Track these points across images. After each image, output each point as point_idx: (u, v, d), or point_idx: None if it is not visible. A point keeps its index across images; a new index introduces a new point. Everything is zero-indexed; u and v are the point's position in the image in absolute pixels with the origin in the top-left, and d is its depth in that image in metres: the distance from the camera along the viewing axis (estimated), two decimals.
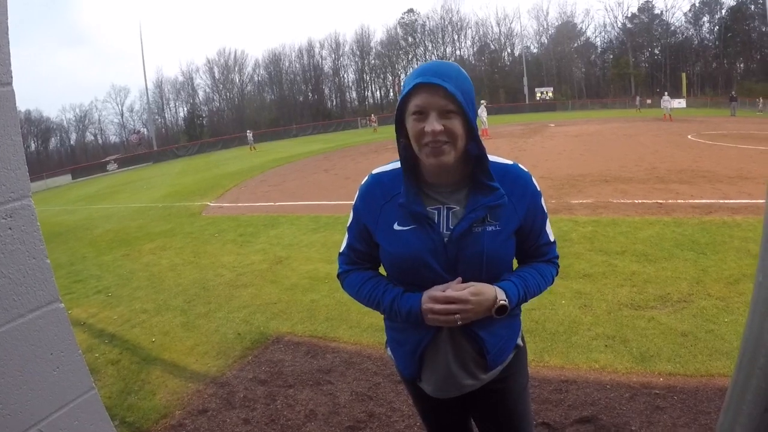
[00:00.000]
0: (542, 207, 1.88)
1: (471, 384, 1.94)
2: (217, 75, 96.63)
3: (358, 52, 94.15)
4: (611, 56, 79.73)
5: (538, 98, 67.77)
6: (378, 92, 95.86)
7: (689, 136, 21.29)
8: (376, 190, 1.87)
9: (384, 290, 1.87)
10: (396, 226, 1.80)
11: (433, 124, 1.61)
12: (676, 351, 4.27)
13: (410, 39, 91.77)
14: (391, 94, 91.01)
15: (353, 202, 1.96)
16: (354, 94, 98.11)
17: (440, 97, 1.61)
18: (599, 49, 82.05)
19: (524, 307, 5.15)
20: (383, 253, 1.87)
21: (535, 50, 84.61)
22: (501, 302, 1.74)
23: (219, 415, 4.23)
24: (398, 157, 1.84)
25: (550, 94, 69.13)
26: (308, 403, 4.17)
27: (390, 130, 47.37)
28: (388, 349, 2.14)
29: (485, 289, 1.74)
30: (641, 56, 78.48)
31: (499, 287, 1.79)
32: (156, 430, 4.03)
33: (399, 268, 1.84)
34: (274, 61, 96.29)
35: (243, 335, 5.74)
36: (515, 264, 1.97)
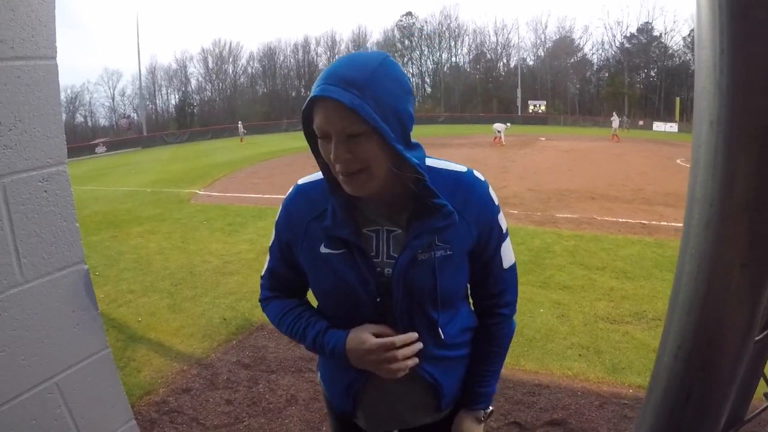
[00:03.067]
0: (499, 224, 1.56)
1: (414, 422, 1.72)
2: (210, 65, 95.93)
3: (352, 51, 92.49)
4: (607, 74, 79.44)
5: (530, 111, 67.75)
6: None
7: (678, 161, 21.36)
8: (301, 205, 1.56)
9: (306, 324, 1.59)
10: (323, 249, 1.50)
11: (338, 152, 1.29)
12: (647, 365, 4.42)
13: (407, 42, 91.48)
14: None
15: (276, 218, 1.65)
16: None
17: (341, 118, 1.26)
18: (595, 67, 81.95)
19: None
20: (310, 280, 1.60)
21: (531, 62, 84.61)
22: (488, 411, 1.71)
23: (202, 394, 4.34)
24: None
25: (543, 108, 69.10)
26: (290, 388, 4.29)
27: None
28: (319, 374, 1.86)
29: (468, 423, 1.68)
30: (637, 77, 78.32)
31: (477, 408, 1.69)
32: (140, 405, 4.12)
33: (327, 297, 1.58)
34: (269, 54, 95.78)
35: (228, 320, 5.84)
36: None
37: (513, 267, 1.64)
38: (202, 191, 16.85)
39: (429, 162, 1.49)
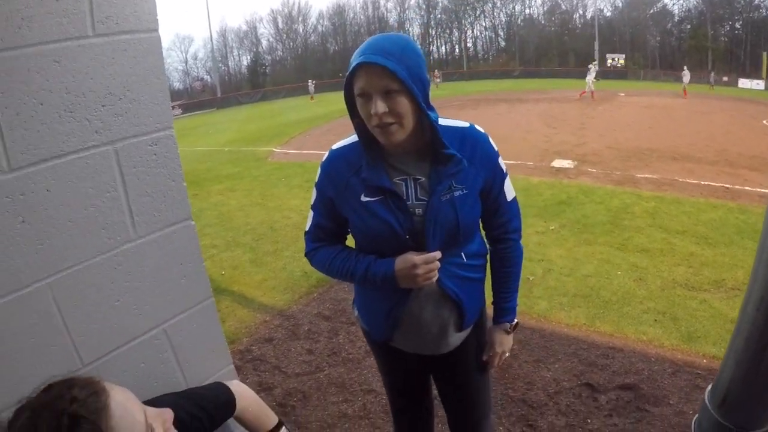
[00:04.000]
0: (501, 166, 1.88)
1: (444, 343, 2.03)
2: (280, 25, 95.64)
3: (424, 6, 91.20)
4: (689, 26, 74.97)
5: (608, 64, 64.61)
6: (443, 47, 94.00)
7: (765, 121, 19.87)
8: (341, 164, 1.84)
9: (356, 260, 1.87)
10: (363, 198, 1.78)
11: (377, 106, 1.57)
12: (723, 336, 4.31)
13: None
14: (457, 50, 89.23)
15: (315, 180, 1.92)
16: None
17: (382, 77, 1.55)
18: (676, 18, 77.55)
19: (580, 273, 5.22)
20: (352, 226, 1.87)
21: (608, 14, 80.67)
22: (514, 324, 2.12)
23: (284, 344, 4.54)
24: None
25: (622, 62, 65.93)
26: None
27: (453, 87, 46.78)
28: (356, 310, 2.20)
29: (500, 336, 2.12)
30: (720, 29, 73.53)
31: (504, 321, 2.10)
32: None
33: (369, 238, 1.84)
34: (339, 12, 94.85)
35: (309, 274, 5.99)
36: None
37: (515, 199, 1.98)
38: (279, 149, 17.08)
39: (440, 121, 1.75)
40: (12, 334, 1.36)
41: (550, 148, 13.17)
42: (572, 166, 10.87)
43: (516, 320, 2.11)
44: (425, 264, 1.74)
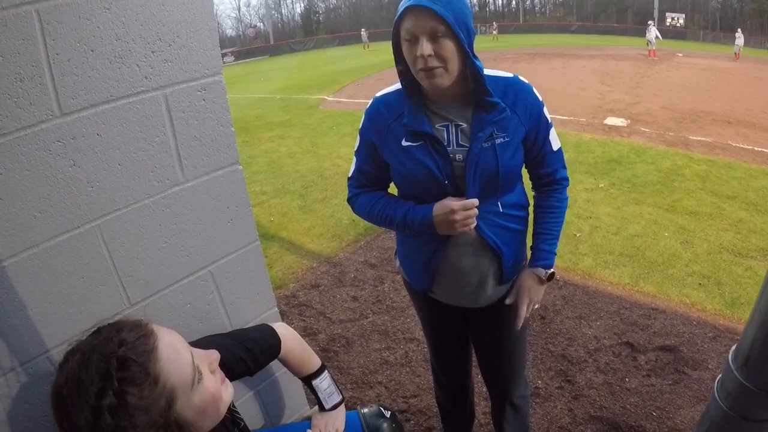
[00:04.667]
0: (546, 116, 1.88)
1: (483, 295, 2.03)
2: None
3: None
4: None
5: (668, 24, 61.87)
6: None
7: None
8: (383, 109, 1.87)
9: (396, 206, 1.90)
10: (404, 142, 1.81)
11: (423, 48, 1.59)
12: None
13: None
14: (513, 2, 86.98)
15: (359, 127, 1.97)
16: (475, 0, 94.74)
17: (429, 20, 1.57)
18: None
19: (627, 232, 5.19)
20: (393, 171, 1.90)
21: None
22: (549, 272, 1.99)
23: (330, 290, 4.64)
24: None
25: (681, 21, 63.33)
26: None
27: (509, 40, 45.89)
28: (397, 260, 2.24)
29: (530, 282, 1.99)
30: None
31: (538, 266, 1.99)
32: None
33: (409, 183, 1.86)
34: None
35: (357, 222, 6.05)
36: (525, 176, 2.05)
37: (560, 150, 1.97)
38: (331, 97, 17.11)
39: (485, 71, 1.75)
40: (63, 273, 1.42)
41: (604, 105, 12.88)
42: (625, 125, 10.62)
43: (552, 269, 2.00)
44: (463, 210, 1.74)
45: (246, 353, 1.57)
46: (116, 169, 1.47)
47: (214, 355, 1.29)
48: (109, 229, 1.49)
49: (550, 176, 1.98)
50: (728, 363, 0.71)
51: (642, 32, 29.39)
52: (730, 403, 0.72)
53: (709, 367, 3.42)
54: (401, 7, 1.62)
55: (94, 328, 1.18)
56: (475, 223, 1.80)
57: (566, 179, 2.02)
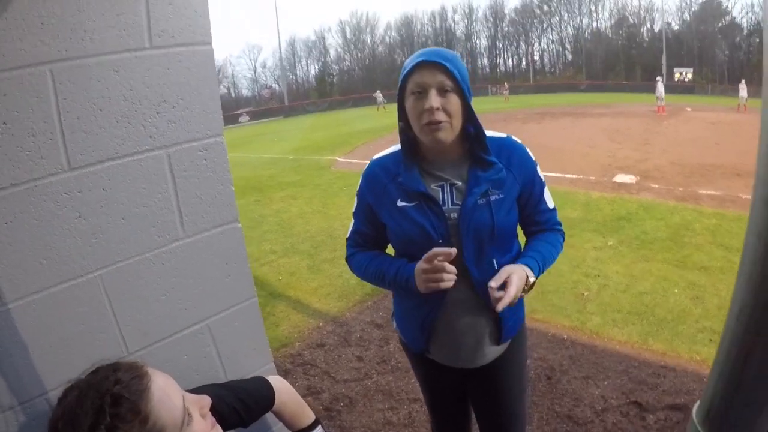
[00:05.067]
0: (539, 176, 1.92)
1: (481, 356, 2.01)
2: (348, 35, 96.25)
3: (491, 18, 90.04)
4: (758, 40, 71.74)
5: (676, 79, 62.20)
6: (510, 60, 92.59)
7: None
8: (379, 172, 1.91)
9: (389, 264, 1.92)
10: (399, 203, 1.84)
11: (432, 100, 1.66)
12: None
13: (545, 7, 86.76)
14: (523, 63, 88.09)
15: (357, 188, 2.02)
16: (485, 61, 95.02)
17: (439, 74, 1.67)
18: (745, 31, 74.28)
19: (635, 290, 5.12)
20: (389, 231, 1.94)
21: (676, 27, 78.11)
22: (531, 280, 1.80)
23: (335, 350, 4.63)
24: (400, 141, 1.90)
25: (690, 76, 63.91)
26: None
27: (519, 101, 46.35)
28: (394, 321, 2.23)
29: (519, 271, 1.76)
30: None
31: (523, 263, 1.83)
32: (277, 356, 4.44)
33: (405, 242, 1.89)
34: (406, 24, 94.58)
35: (364, 283, 6.00)
36: (521, 236, 2.02)
37: (555, 209, 2.02)
38: (343, 158, 17.31)
39: None
40: (64, 320, 1.47)
41: (613, 163, 12.95)
42: (634, 182, 10.66)
43: (534, 280, 1.83)
44: (427, 263, 1.71)
45: (239, 403, 1.59)
46: (119, 223, 1.54)
47: (206, 400, 1.33)
48: (111, 279, 1.54)
49: (546, 225, 2.01)
50: (692, 417, 0.73)
51: (651, 88, 29.66)
52: None
53: None
54: (412, 62, 1.71)
55: (93, 368, 1.23)
56: (446, 282, 1.72)
57: (561, 228, 2.06)
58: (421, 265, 1.74)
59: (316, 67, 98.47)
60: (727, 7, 75.89)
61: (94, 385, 1.16)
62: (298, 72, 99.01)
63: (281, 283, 6.35)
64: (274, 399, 1.75)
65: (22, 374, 1.42)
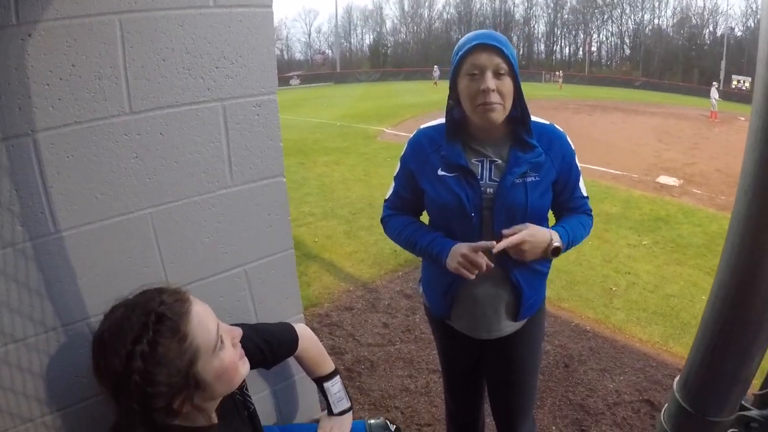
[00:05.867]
0: (576, 164, 2.00)
1: (498, 328, 2.08)
2: (406, 8, 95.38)
3: (551, 4, 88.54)
4: None
5: (733, 86, 60.34)
6: (567, 48, 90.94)
7: None
8: (424, 141, 2.00)
9: (425, 233, 2.01)
10: (440, 172, 1.92)
11: (488, 82, 1.73)
12: None
13: None
14: (580, 53, 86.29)
15: (401, 154, 2.10)
16: (542, 47, 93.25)
17: (496, 57, 1.74)
18: None
19: (664, 291, 5.09)
20: (427, 197, 2.01)
21: (739, 33, 75.07)
22: (556, 244, 1.87)
23: (362, 314, 4.77)
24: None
25: (747, 84, 61.51)
26: None
27: (572, 90, 45.57)
28: (420, 286, 2.34)
29: (539, 231, 1.86)
30: None
31: (553, 230, 1.93)
32: (305, 315, 4.53)
33: (440, 209, 1.97)
34: (465, 1, 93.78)
35: (399, 253, 6.18)
36: (551, 219, 2.07)
37: (588, 197, 2.10)
38: (390, 129, 17.40)
39: None
40: (113, 251, 1.59)
41: (659, 163, 12.77)
42: (677, 185, 10.50)
43: (560, 245, 1.90)
44: (471, 252, 1.81)
45: (264, 344, 1.70)
46: (173, 166, 1.65)
47: (237, 331, 1.44)
48: (160, 218, 1.66)
49: (578, 210, 2.07)
50: (673, 387, 0.81)
51: (707, 93, 28.94)
52: (671, 425, 0.82)
53: None
54: (467, 43, 1.78)
55: (140, 289, 1.35)
56: (473, 276, 1.83)
57: (592, 214, 2.12)
58: (462, 248, 1.83)
59: (371, 37, 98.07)
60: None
61: (140, 304, 1.28)
62: (352, 40, 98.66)
63: (317, 245, 6.48)
64: (297, 344, 1.85)
65: (67, 299, 1.54)
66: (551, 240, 1.89)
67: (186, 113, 1.64)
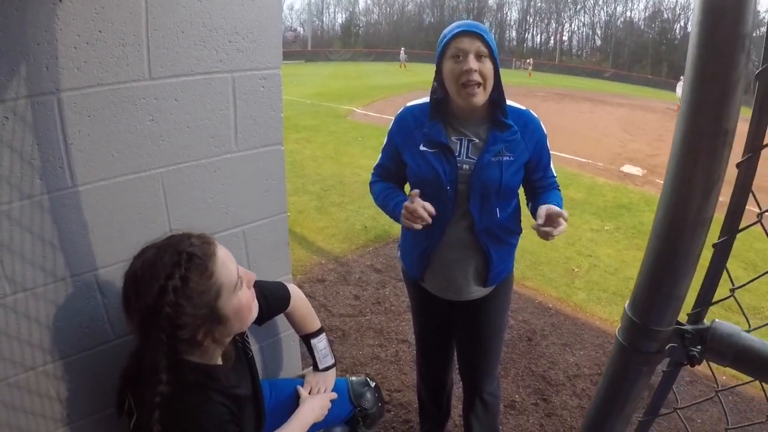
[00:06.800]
0: (548, 147, 2.18)
1: (467, 292, 2.28)
2: None
3: None
4: None
5: None
6: (538, 37, 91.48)
7: None
8: (409, 119, 2.16)
9: (394, 196, 2.19)
10: (422, 147, 2.09)
11: (471, 63, 1.90)
12: None
13: None
14: (551, 42, 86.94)
15: (389, 128, 2.27)
16: (514, 34, 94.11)
17: (477, 41, 1.90)
18: None
19: (623, 274, 5.63)
20: (409, 170, 2.18)
21: None
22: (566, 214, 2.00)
23: (334, 286, 4.90)
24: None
25: None
26: None
27: (542, 78, 45.79)
28: (398, 251, 2.54)
29: (562, 212, 1.94)
30: None
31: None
32: None
33: (419, 180, 2.11)
34: None
35: (369, 229, 6.35)
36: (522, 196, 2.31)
37: (556, 177, 2.29)
38: (360, 109, 17.46)
39: None
40: (124, 207, 1.72)
41: (623, 153, 13.05)
42: (641, 174, 10.77)
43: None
44: (409, 204, 1.96)
45: (262, 299, 1.83)
46: (185, 130, 1.78)
47: (252, 275, 1.60)
48: (170, 177, 1.80)
49: (551, 187, 2.25)
50: (624, 308, 0.99)
51: (675, 87, 29.42)
52: (623, 336, 0.99)
53: (680, 407, 3.54)
54: (452, 31, 1.95)
55: (168, 234, 1.49)
56: (416, 226, 1.96)
57: (559, 187, 2.29)
58: (406, 203, 1.99)
59: (344, 16, 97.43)
60: (764, 18, 74.10)
61: (172, 245, 1.42)
62: (324, 19, 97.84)
63: (289, 220, 6.49)
64: (289, 301, 2.02)
65: (78, 250, 1.65)
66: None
67: (199, 82, 1.77)
